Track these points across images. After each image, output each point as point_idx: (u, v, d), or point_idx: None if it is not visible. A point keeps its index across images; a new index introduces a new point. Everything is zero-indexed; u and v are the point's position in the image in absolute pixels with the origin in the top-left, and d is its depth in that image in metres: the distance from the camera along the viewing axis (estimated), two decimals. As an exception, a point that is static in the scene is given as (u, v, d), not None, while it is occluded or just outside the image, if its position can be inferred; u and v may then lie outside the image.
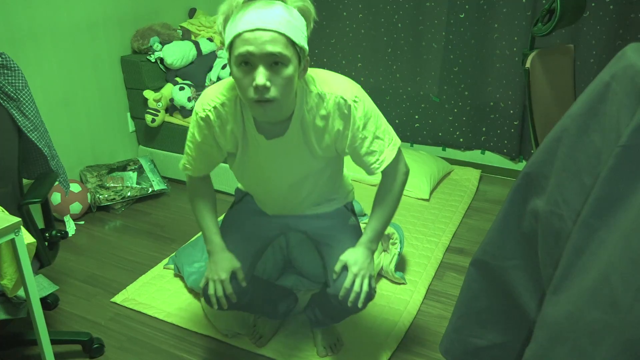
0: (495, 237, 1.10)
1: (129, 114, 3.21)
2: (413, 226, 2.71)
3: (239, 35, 1.23)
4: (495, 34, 3.04)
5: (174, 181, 3.22)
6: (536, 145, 2.10)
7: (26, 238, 1.38)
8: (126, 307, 2.13)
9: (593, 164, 0.88)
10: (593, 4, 2.76)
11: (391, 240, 2.27)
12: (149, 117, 3.04)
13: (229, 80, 1.46)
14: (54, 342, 1.69)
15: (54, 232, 1.75)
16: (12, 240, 1.33)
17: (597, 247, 0.83)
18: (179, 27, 3.30)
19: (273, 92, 1.26)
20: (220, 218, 2.62)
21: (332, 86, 1.41)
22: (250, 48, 1.22)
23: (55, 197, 2.69)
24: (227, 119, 1.45)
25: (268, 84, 1.24)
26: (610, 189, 0.82)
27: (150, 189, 2.98)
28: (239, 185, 1.82)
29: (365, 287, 1.51)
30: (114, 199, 2.86)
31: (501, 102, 3.17)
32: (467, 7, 3.05)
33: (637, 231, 0.76)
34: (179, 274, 2.30)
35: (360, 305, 1.52)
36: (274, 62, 1.24)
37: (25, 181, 1.78)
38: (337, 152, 1.53)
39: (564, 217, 0.92)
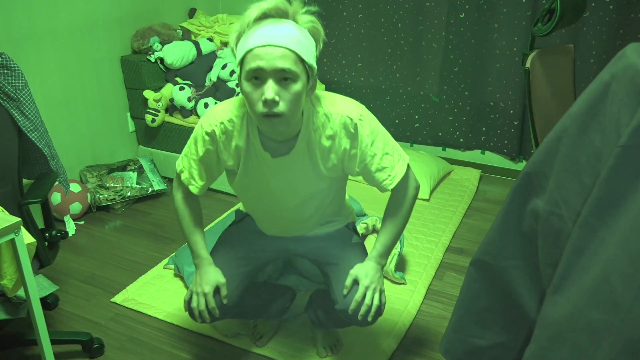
0: (495, 237, 1.10)
1: (129, 114, 3.21)
2: (413, 226, 2.71)
3: (250, 50, 1.26)
4: (495, 34, 3.04)
5: (174, 181, 3.22)
6: (536, 145, 2.10)
7: (26, 238, 1.38)
8: (126, 307, 2.13)
9: (593, 164, 0.89)
10: (593, 4, 2.76)
11: (391, 240, 2.27)
12: (149, 117, 3.04)
13: (237, 98, 1.48)
14: (54, 342, 1.69)
15: (54, 232, 1.75)
16: (12, 240, 1.34)
17: (597, 247, 0.83)
18: (179, 27, 3.30)
19: (281, 107, 1.28)
20: (216, 222, 2.62)
21: (338, 106, 1.44)
22: (261, 63, 1.25)
23: (55, 197, 2.69)
24: (232, 135, 1.47)
25: (277, 98, 1.27)
26: (610, 189, 0.82)
27: (150, 189, 2.98)
28: (240, 207, 1.82)
29: (376, 301, 1.50)
30: (114, 199, 2.86)
31: (501, 102, 3.17)
32: (467, 7, 3.05)
33: (637, 231, 0.76)
34: (179, 274, 2.30)
35: (370, 319, 1.51)
36: (284, 77, 1.27)
37: (25, 181, 1.78)
38: (345, 172, 1.54)
39: (564, 217, 0.92)
